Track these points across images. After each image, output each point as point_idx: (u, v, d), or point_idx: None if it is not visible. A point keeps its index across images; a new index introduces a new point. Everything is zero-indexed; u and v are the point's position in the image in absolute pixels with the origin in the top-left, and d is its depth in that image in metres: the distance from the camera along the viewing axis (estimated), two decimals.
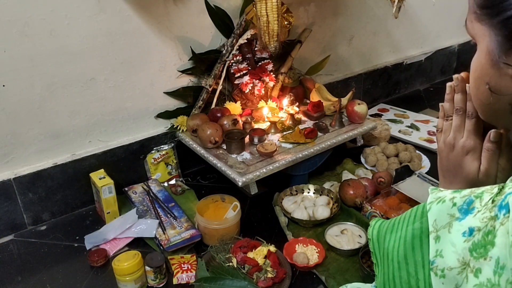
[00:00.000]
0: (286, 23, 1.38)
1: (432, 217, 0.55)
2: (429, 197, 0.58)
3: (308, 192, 1.33)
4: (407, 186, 1.26)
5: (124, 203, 1.30)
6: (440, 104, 0.72)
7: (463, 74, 0.66)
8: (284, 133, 1.37)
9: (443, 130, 0.70)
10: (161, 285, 1.03)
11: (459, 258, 0.49)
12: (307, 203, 1.27)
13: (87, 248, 1.15)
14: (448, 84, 0.69)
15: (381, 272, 0.65)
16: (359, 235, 1.15)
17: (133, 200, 1.29)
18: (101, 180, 1.22)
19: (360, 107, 1.42)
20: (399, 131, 1.76)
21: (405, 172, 1.33)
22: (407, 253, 0.59)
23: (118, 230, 1.18)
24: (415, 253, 0.57)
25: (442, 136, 0.71)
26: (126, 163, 1.37)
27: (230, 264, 1.04)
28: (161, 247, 1.11)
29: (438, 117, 0.73)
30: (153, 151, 1.39)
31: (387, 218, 1.14)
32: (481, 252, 0.46)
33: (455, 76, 0.67)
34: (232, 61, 1.39)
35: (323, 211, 1.21)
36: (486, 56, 0.54)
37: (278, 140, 1.33)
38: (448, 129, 0.69)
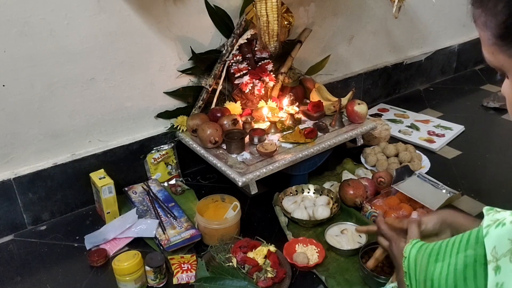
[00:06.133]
0: (286, 23, 1.38)
1: (491, 243, 0.49)
2: (485, 220, 0.52)
3: (308, 192, 1.33)
4: (407, 186, 1.26)
5: (124, 203, 1.30)
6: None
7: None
8: (284, 133, 1.37)
9: None
10: (161, 285, 1.03)
11: None
12: (307, 203, 1.26)
13: (87, 248, 1.15)
14: None
15: None
16: (359, 235, 1.15)
17: (133, 200, 1.28)
18: (101, 180, 1.22)
19: (360, 107, 1.42)
20: (399, 131, 1.75)
21: (405, 172, 1.33)
22: (457, 284, 0.53)
23: (118, 230, 1.18)
24: (467, 285, 0.52)
25: None
26: (126, 163, 1.37)
27: (230, 264, 1.04)
28: (161, 247, 1.11)
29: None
30: (153, 151, 1.39)
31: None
32: None
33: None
34: (232, 61, 1.39)
35: (323, 211, 1.21)
36: None
37: (278, 140, 1.33)
38: None
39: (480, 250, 0.51)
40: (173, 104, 1.43)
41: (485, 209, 0.55)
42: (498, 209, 0.53)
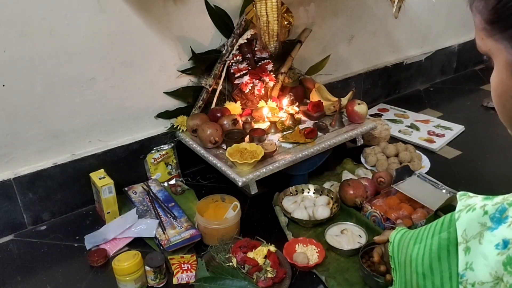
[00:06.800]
0: (286, 23, 1.38)
1: (461, 226, 0.53)
2: (458, 205, 0.56)
3: (308, 192, 1.33)
4: (407, 186, 1.26)
5: (124, 203, 1.30)
6: None
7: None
8: (284, 133, 1.37)
9: None
10: (161, 285, 1.03)
11: (492, 272, 0.46)
12: (307, 203, 1.26)
13: (87, 248, 1.15)
14: None
15: (402, 279, 0.65)
16: (359, 235, 1.15)
17: (133, 200, 1.29)
18: (101, 180, 1.22)
19: (360, 107, 1.42)
20: (399, 131, 1.76)
21: (405, 172, 1.33)
22: (432, 264, 0.57)
23: (118, 230, 1.18)
24: (441, 264, 0.55)
25: None
26: (126, 163, 1.37)
27: (230, 264, 1.04)
28: (161, 247, 1.11)
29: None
30: (153, 151, 1.39)
31: (387, 218, 1.15)
32: None
33: None
34: (232, 61, 1.39)
35: (323, 211, 1.21)
36: (506, 70, 0.51)
37: (278, 140, 1.33)
38: None
39: (453, 233, 0.55)
40: (173, 104, 1.43)
41: (459, 194, 0.59)
42: (471, 194, 0.57)
